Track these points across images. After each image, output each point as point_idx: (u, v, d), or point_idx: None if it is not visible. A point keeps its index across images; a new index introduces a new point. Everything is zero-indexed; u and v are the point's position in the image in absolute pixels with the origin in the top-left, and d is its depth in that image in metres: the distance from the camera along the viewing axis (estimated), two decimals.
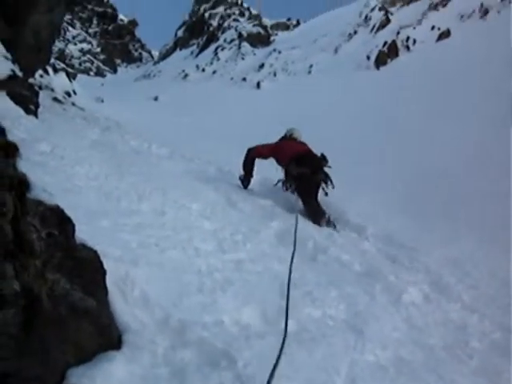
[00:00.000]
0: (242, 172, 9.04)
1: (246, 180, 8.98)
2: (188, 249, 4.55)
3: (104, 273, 2.74)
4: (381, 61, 30.20)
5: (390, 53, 30.68)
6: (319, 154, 8.65)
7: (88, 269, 2.60)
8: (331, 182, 8.46)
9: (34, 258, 2.16)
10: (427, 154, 11.95)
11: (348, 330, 3.85)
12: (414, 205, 9.12)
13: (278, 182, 8.85)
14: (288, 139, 9.50)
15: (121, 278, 3.15)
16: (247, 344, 3.15)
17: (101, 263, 2.72)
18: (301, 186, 8.34)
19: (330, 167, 8.54)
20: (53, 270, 2.36)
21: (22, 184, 2.30)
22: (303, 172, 8.24)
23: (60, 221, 2.53)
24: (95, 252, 2.72)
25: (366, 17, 41.74)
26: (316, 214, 7.86)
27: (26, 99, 10.42)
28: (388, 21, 38.88)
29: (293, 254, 5.25)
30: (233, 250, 4.95)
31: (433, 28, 31.96)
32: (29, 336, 1.96)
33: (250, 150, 9.03)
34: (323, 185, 8.46)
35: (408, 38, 31.48)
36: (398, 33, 33.21)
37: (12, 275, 1.87)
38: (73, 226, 2.64)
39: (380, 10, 41.93)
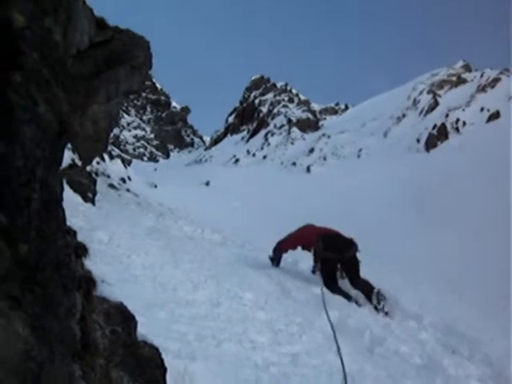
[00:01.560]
0: (271, 253, 9.39)
1: (276, 263, 9.30)
2: (244, 341, 4.51)
3: (165, 370, 2.73)
4: (431, 143, 30.27)
5: (439, 135, 30.77)
6: (349, 238, 8.70)
7: (149, 366, 2.61)
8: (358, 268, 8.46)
9: (98, 356, 2.19)
10: (482, 238, 11.73)
11: None
12: (471, 292, 8.89)
13: (313, 269, 8.81)
14: (306, 226, 9.57)
15: (180, 374, 3.14)
16: None
17: (161, 360, 2.72)
18: (324, 267, 8.47)
19: (359, 251, 8.52)
20: (116, 367, 2.37)
21: (88, 282, 2.36)
22: (330, 256, 8.44)
23: (123, 318, 2.57)
24: (157, 349, 2.73)
25: (415, 100, 42.21)
26: (340, 293, 7.87)
27: (85, 187, 10.79)
28: (436, 103, 39.20)
29: (335, 337, 5.22)
30: (289, 342, 4.88)
31: (482, 109, 32.02)
32: None
33: (279, 243, 9.35)
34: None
35: (458, 120, 31.58)
36: (447, 115, 33.36)
37: (80, 376, 1.89)
38: (135, 322, 2.67)
39: (428, 93, 42.42)
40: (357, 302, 7.74)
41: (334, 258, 8.50)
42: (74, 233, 2.19)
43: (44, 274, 1.57)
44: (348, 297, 7.86)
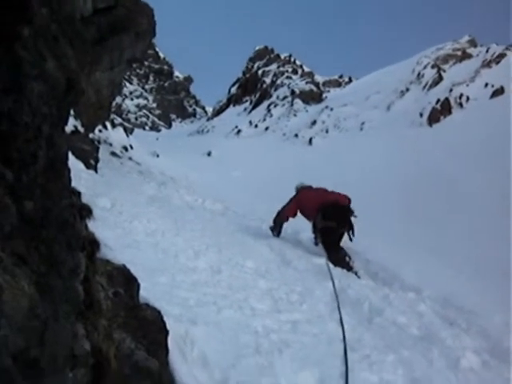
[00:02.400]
0: (271, 223, 9.59)
1: (277, 232, 9.46)
2: (244, 308, 4.56)
3: (167, 333, 2.76)
4: (434, 118, 30.08)
5: (442, 110, 30.56)
6: (347, 201, 9.08)
7: (151, 328, 2.63)
8: (353, 233, 8.82)
9: (102, 317, 2.20)
10: (484, 215, 11.74)
11: None
12: (471, 266, 8.93)
13: (315, 239, 9.11)
14: (305, 189, 9.90)
15: (181, 338, 3.17)
16: None
17: (164, 323, 2.75)
18: (326, 238, 8.72)
19: (355, 217, 8.87)
20: (118, 329, 2.39)
21: (92, 244, 2.37)
22: (329, 226, 8.65)
23: (126, 280, 2.59)
24: (159, 312, 2.75)
25: (419, 74, 41.84)
26: (339, 261, 8.07)
27: (87, 154, 10.78)
28: (441, 78, 38.88)
29: (338, 307, 5.42)
30: (289, 311, 4.92)
31: (486, 85, 31.77)
32: None
33: (280, 212, 9.46)
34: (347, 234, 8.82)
35: (461, 96, 31.35)
36: (451, 90, 33.13)
37: (83, 335, 1.91)
38: (138, 285, 2.69)
39: (432, 67, 42.05)
40: (356, 274, 7.94)
41: (334, 227, 8.69)
42: (79, 194, 2.19)
43: (49, 233, 1.57)
44: (349, 268, 8.02)
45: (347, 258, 8.29)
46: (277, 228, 9.50)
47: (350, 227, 8.82)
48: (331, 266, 7.60)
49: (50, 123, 1.47)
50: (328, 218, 8.74)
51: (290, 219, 9.58)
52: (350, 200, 9.17)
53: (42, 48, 1.39)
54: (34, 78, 1.35)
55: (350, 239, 8.80)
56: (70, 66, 1.53)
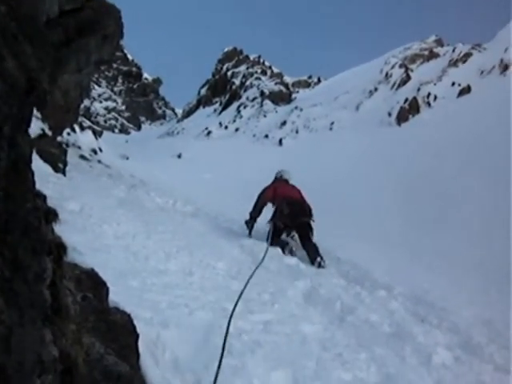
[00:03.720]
0: (247, 217, 10.02)
1: (251, 224, 9.93)
2: (216, 310, 4.54)
3: (137, 336, 2.73)
4: (402, 117, 30.39)
5: (411, 109, 30.88)
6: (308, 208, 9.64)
7: (121, 332, 2.60)
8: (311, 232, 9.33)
9: (70, 322, 2.17)
10: (452, 211, 11.88)
11: None
12: (441, 262, 9.03)
13: (271, 220, 9.54)
14: (280, 180, 10.63)
15: (152, 341, 3.14)
16: None
17: (134, 327, 2.72)
18: (276, 227, 9.31)
19: (313, 221, 9.44)
20: (87, 333, 2.36)
21: (59, 248, 2.32)
22: (284, 220, 9.35)
23: (94, 284, 2.56)
24: (129, 316, 2.72)
25: (387, 74, 42.24)
26: (279, 243, 8.96)
27: (55, 157, 10.63)
28: (408, 77, 39.30)
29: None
30: (261, 311, 4.92)
31: (453, 84, 32.19)
32: None
33: (259, 199, 10.04)
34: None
35: (429, 95, 31.71)
36: (419, 89, 33.49)
37: (51, 340, 1.87)
38: (107, 289, 2.66)
39: (400, 67, 42.47)
40: (291, 251, 8.80)
41: (286, 223, 9.39)
42: (44, 197, 2.15)
43: (13, 237, 1.54)
44: (284, 246, 8.93)
45: (289, 247, 9.04)
46: (252, 220, 9.93)
47: (305, 228, 9.33)
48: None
49: (11, 124, 1.44)
50: (287, 213, 9.32)
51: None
52: (310, 210, 9.72)
53: (1, 47, 1.36)
54: None
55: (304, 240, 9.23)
56: (31, 65, 1.50)
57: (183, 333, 3.68)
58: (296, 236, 9.61)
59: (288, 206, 9.40)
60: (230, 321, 3.97)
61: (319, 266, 8.25)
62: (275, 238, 9.02)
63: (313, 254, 8.56)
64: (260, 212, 10.00)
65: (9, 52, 1.39)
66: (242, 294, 4.81)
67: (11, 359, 1.45)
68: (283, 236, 9.58)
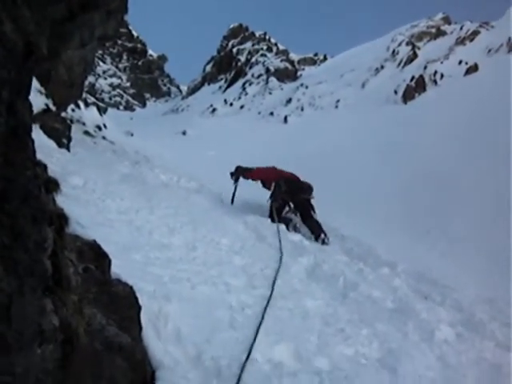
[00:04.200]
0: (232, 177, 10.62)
1: (235, 178, 10.50)
2: (219, 284, 4.55)
3: (139, 309, 2.73)
4: (408, 95, 30.20)
5: (417, 87, 30.68)
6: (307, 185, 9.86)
7: (123, 304, 2.60)
8: (311, 209, 9.55)
9: (71, 292, 2.16)
10: (456, 191, 11.85)
11: (381, 368, 3.76)
12: (445, 242, 9.02)
13: (271, 197, 9.80)
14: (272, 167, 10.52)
15: (154, 314, 3.14)
16: (280, 383, 3.11)
17: (136, 299, 2.72)
18: (276, 203, 9.55)
19: (313, 197, 9.66)
20: (89, 304, 2.36)
21: (60, 219, 2.31)
22: (283, 196, 9.58)
23: (96, 256, 2.55)
24: (131, 287, 2.72)
25: (393, 51, 41.93)
26: (284, 219, 9.23)
27: (59, 133, 10.59)
28: (415, 55, 39.00)
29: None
30: (263, 286, 4.92)
31: (460, 62, 31.95)
32: (66, 372, 1.94)
33: (243, 171, 10.48)
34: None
35: (435, 73, 31.49)
36: (426, 67, 33.25)
37: (51, 310, 1.86)
38: (109, 261, 2.65)
39: (407, 44, 42.13)
40: (295, 228, 9.13)
41: (286, 199, 9.66)
42: (45, 166, 2.13)
43: (12, 205, 1.52)
44: (288, 222, 9.16)
45: (293, 224, 9.33)
46: (236, 178, 10.48)
47: (305, 205, 9.58)
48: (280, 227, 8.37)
49: (9, 89, 1.41)
50: (287, 190, 9.61)
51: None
52: (309, 187, 9.89)
53: None
54: None
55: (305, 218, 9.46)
56: (29, 29, 1.47)
57: (185, 306, 3.68)
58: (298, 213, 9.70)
59: (286, 184, 9.65)
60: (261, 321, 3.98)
61: (323, 242, 8.36)
62: (278, 215, 9.12)
63: (316, 231, 8.69)
64: (237, 177, 10.47)
65: (7, 15, 1.36)
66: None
67: (11, 328, 1.45)
68: (289, 214, 9.74)
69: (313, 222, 9.06)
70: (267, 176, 10.20)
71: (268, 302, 4.29)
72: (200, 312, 3.73)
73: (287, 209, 9.80)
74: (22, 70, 1.49)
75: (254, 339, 3.45)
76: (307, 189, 9.71)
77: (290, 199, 9.67)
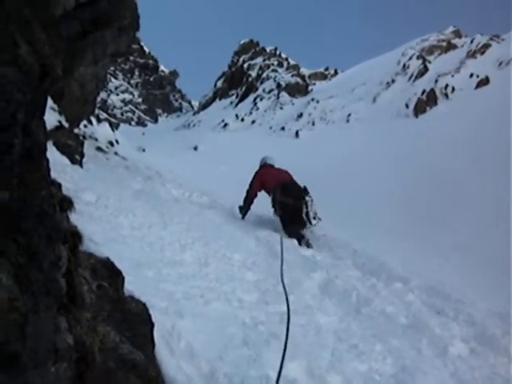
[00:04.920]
0: (241, 203, 10.39)
1: (245, 211, 10.28)
2: (232, 300, 4.55)
3: (152, 326, 2.73)
4: (419, 109, 30.18)
5: (428, 101, 30.66)
6: (302, 186, 9.86)
7: (137, 321, 2.61)
8: (315, 214, 9.53)
9: (85, 310, 2.17)
10: (468, 204, 11.81)
11: None
12: (457, 255, 8.98)
13: (274, 212, 9.84)
14: (267, 166, 10.89)
15: (167, 331, 3.14)
16: None
17: (149, 316, 2.72)
18: (283, 212, 9.49)
19: (310, 197, 9.63)
20: (103, 322, 2.37)
21: (74, 237, 2.33)
22: (286, 201, 9.52)
23: (110, 273, 2.56)
24: (144, 304, 2.73)
25: (404, 65, 41.95)
26: (296, 234, 9.03)
27: (72, 149, 10.67)
28: (426, 69, 38.99)
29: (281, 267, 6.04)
30: (276, 302, 4.91)
31: (471, 76, 31.90)
32: None
33: (248, 191, 10.30)
34: (307, 214, 9.50)
35: (447, 86, 31.45)
36: (437, 81, 33.22)
37: (66, 328, 1.88)
38: (122, 278, 2.66)
39: (418, 58, 42.15)
40: (308, 244, 8.84)
41: (291, 203, 9.48)
42: (59, 185, 2.15)
43: (27, 224, 1.54)
44: (302, 238, 9.01)
45: (301, 231, 9.25)
46: (246, 207, 10.28)
47: (306, 206, 9.52)
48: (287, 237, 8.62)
49: (25, 111, 1.43)
50: (286, 194, 9.60)
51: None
52: (305, 189, 9.94)
53: (15, 32, 1.35)
54: (7, 64, 1.32)
55: (310, 222, 9.47)
56: (44, 51, 1.49)
57: (198, 323, 3.69)
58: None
59: (282, 194, 9.65)
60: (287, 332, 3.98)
61: (308, 245, 8.77)
62: (288, 227, 9.22)
63: (295, 236, 8.95)
64: (251, 203, 10.30)
65: (23, 38, 1.38)
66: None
67: (26, 347, 1.45)
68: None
69: (293, 230, 9.19)
70: (264, 186, 10.31)
71: (288, 320, 4.28)
72: (213, 328, 3.73)
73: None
74: (37, 92, 1.51)
75: (283, 358, 3.43)
76: (301, 192, 9.74)
77: (293, 206, 9.58)
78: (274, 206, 9.84)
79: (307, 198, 9.59)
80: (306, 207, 9.52)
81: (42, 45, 1.49)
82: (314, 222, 9.44)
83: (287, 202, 9.55)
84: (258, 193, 10.41)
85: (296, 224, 9.38)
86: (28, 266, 1.53)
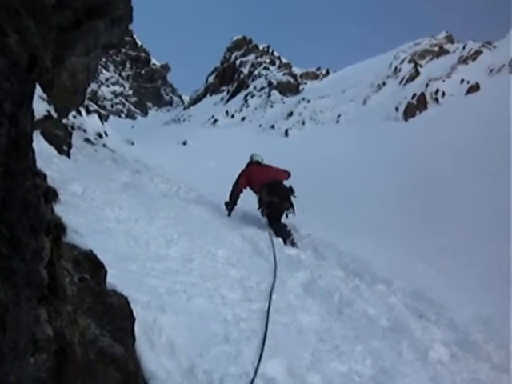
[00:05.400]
0: (227, 199, 10.47)
1: (231, 207, 10.36)
2: (215, 297, 4.55)
3: (133, 320, 2.73)
4: (409, 113, 30.31)
5: (418, 105, 30.80)
6: (288, 186, 10.05)
7: (118, 315, 2.60)
8: (293, 209, 9.81)
9: (66, 302, 2.16)
10: (454, 208, 11.89)
11: None
12: (442, 259, 9.02)
13: (259, 208, 10.04)
14: (254, 164, 10.97)
15: (148, 325, 3.14)
16: None
17: (130, 310, 2.72)
18: (270, 211, 9.74)
19: (295, 197, 9.85)
20: (83, 315, 2.36)
21: (58, 228, 2.32)
22: (273, 200, 9.67)
23: (93, 266, 2.55)
24: (126, 298, 2.72)
25: (396, 69, 42.09)
26: (282, 233, 9.07)
27: (60, 140, 10.61)
28: (417, 73, 39.17)
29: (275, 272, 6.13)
30: (259, 300, 4.92)
31: (462, 81, 32.08)
32: (58, 382, 1.94)
33: (234, 186, 10.40)
34: (288, 211, 9.80)
35: (437, 91, 31.60)
36: (427, 85, 33.36)
37: (46, 320, 1.87)
38: (105, 271, 2.66)
39: (409, 62, 42.29)
40: (293, 243, 8.89)
41: (277, 202, 9.74)
42: (45, 176, 2.14)
43: (11, 215, 1.53)
44: (288, 236, 9.04)
45: (288, 229, 9.29)
46: (231, 203, 10.37)
47: (291, 204, 9.78)
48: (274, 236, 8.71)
49: (11, 101, 1.43)
50: (272, 193, 9.73)
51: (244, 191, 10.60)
52: (289, 174, 10.54)
53: (4, 22, 1.35)
54: None
55: (287, 216, 9.80)
56: (33, 41, 1.48)
57: (180, 318, 3.69)
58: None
59: (268, 194, 9.77)
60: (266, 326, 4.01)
61: (293, 244, 8.81)
62: (274, 225, 9.43)
63: (283, 235, 9.02)
64: (237, 199, 10.43)
65: (11, 28, 1.38)
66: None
67: (6, 337, 1.45)
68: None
69: (280, 226, 9.39)
70: (250, 184, 10.47)
71: (268, 318, 4.30)
72: (195, 324, 3.73)
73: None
74: (25, 82, 1.50)
75: (260, 356, 3.45)
76: (287, 191, 9.91)
77: (276, 206, 9.78)
78: (260, 207, 9.96)
79: (292, 198, 9.79)
80: (292, 205, 9.75)
81: (32, 35, 1.48)
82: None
83: (274, 201, 9.69)
84: (244, 190, 10.50)
85: (279, 221, 9.63)
86: (10, 257, 1.52)
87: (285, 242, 8.76)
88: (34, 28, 1.48)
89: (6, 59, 1.35)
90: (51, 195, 2.20)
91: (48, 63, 1.60)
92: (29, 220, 1.65)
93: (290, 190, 9.91)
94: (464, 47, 41.80)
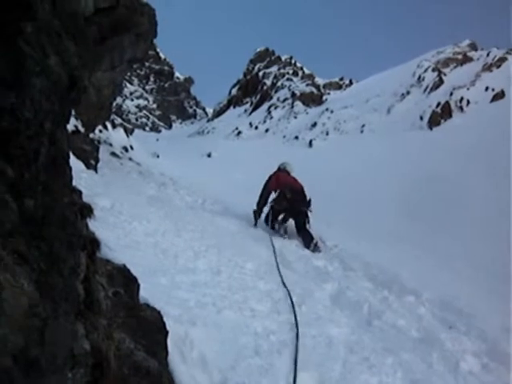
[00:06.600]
0: (255, 207, 10.68)
1: (259, 212, 10.62)
2: (244, 309, 4.56)
3: (166, 333, 2.75)
4: (434, 121, 30.03)
5: (443, 113, 30.49)
6: (308, 198, 10.40)
7: (151, 329, 2.62)
8: (308, 220, 10.11)
9: (101, 317, 2.19)
10: (482, 217, 11.75)
11: None
12: (470, 268, 8.92)
13: (271, 202, 10.65)
14: (282, 171, 11.32)
15: (180, 339, 3.16)
16: None
17: (163, 323, 2.74)
18: (274, 209, 10.46)
19: (311, 211, 10.19)
20: (118, 329, 2.38)
21: (92, 243, 2.35)
22: (282, 202, 10.33)
23: (126, 280, 2.58)
24: (158, 312, 2.74)
25: (419, 77, 41.77)
26: (305, 236, 9.52)
27: (87, 154, 10.75)
28: (441, 81, 38.81)
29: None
30: (288, 312, 4.91)
31: (487, 89, 31.72)
32: None
33: (263, 190, 10.83)
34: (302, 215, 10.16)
35: (462, 99, 31.28)
36: (452, 93, 33.04)
37: (83, 334, 1.90)
38: (138, 285, 2.68)
39: (433, 70, 41.97)
40: (315, 246, 9.06)
41: (285, 207, 10.30)
42: (80, 192, 2.18)
43: (50, 231, 1.56)
44: (311, 240, 9.30)
45: (310, 234, 9.58)
46: (260, 207, 10.65)
47: (302, 217, 10.08)
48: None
49: (52, 120, 1.46)
50: (289, 197, 10.22)
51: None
52: (309, 200, 10.51)
53: (45, 44, 1.38)
54: (37, 74, 1.34)
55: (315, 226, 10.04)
56: (73, 62, 1.52)
57: (211, 331, 3.70)
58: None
59: (290, 192, 10.29)
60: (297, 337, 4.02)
61: (315, 248, 8.95)
62: (273, 220, 10.11)
63: (307, 241, 9.25)
64: (266, 201, 10.69)
65: (52, 49, 1.41)
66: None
67: (45, 352, 1.47)
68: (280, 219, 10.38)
69: (306, 233, 9.66)
70: (278, 185, 10.73)
71: (297, 331, 4.29)
72: (225, 337, 3.73)
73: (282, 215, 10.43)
74: (64, 102, 1.54)
75: (295, 370, 3.45)
76: (307, 201, 10.25)
77: (289, 208, 10.28)
78: (274, 200, 10.52)
79: (309, 211, 10.14)
80: (307, 216, 10.06)
81: (71, 56, 1.51)
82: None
83: (282, 203, 10.26)
84: (274, 192, 10.74)
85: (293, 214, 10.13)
86: (49, 272, 1.54)
87: (308, 246, 9.06)
88: (73, 49, 1.51)
89: (47, 80, 1.38)
90: (86, 211, 2.24)
91: (86, 83, 1.64)
92: (66, 236, 1.68)
93: (308, 202, 10.28)
94: (488, 54, 41.39)
